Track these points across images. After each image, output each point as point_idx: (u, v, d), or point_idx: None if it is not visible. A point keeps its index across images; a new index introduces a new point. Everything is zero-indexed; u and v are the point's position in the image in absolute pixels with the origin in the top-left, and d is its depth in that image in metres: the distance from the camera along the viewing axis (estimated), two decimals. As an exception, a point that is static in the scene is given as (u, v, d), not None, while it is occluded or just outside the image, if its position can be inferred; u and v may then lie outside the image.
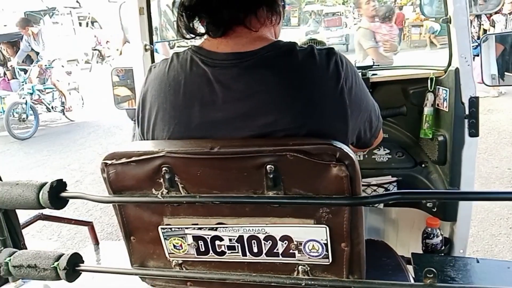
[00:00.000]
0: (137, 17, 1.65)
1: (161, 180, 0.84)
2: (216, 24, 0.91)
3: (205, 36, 0.96)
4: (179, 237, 0.90)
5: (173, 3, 0.98)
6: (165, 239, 0.91)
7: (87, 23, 17.17)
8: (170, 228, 0.89)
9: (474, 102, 1.49)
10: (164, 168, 0.83)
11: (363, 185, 1.75)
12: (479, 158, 4.51)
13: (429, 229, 1.55)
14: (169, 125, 0.92)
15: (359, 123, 0.96)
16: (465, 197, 1.05)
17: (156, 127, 0.94)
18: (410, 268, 1.32)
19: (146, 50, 1.69)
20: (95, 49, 15.89)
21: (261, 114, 0.87)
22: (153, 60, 1.74)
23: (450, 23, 1.51)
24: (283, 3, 0.99)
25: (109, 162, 0.86)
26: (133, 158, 0.84)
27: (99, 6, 16.74)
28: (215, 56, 0.91)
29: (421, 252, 1.58)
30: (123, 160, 0.85)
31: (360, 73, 1.87)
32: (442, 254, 1.57)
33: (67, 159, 5.71)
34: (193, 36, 0.96)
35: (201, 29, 0.96)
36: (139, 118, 1.00)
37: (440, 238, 1.54)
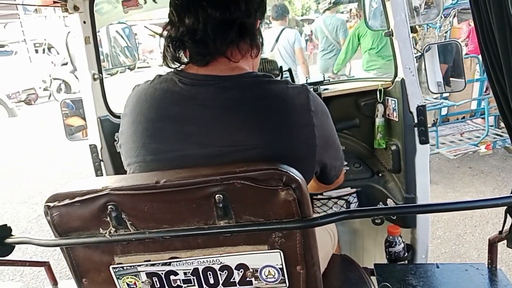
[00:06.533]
0: (83, 47, 1.62)
1: (108, 219, 0.81)
2: (201, 54, 0.95)
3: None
4: (132, 275, 0.87)
5: (160, 34, 1.01)
6: (118, 278, 0.88)
7: (43, 50, 16.72)
8: (122, 267, 0.86)
9: (421, 110, 1.54)
10: (109, 206, 0.81)
11: (324, 199, 1.78)
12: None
13: (391, 238, 1.57)
14: (141, 137, 0.94)
15: (325, 158, 1.00)
16: (409, 211, 1.08)
17: (130, 139, 0.96)
18: (374, 279, 1.33)
19: (94, 79, 1.66)
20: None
21: (232, 131, 0.89)
22: (103, 89, 1.70)
23: (393, 36, 1.57)
24: (261, 40, 1.04)
25: (51, 204, 0.83)
26: (77, 199, 0.81)
27: (55, 32, 16.38)
28: (194, 76, 0.96)
29: (386, 261, 1.60)
30: (66, 201, 0.82)
31: (312, 89, 1.90)
32: (406, 262, 1.59)
33: (28, 192, 5.48)
34: (178, 65, 1.00)
35: (185, 59, 1.00)
36: (119, 132, 1.03)
37: (402, 245, 1.56)
